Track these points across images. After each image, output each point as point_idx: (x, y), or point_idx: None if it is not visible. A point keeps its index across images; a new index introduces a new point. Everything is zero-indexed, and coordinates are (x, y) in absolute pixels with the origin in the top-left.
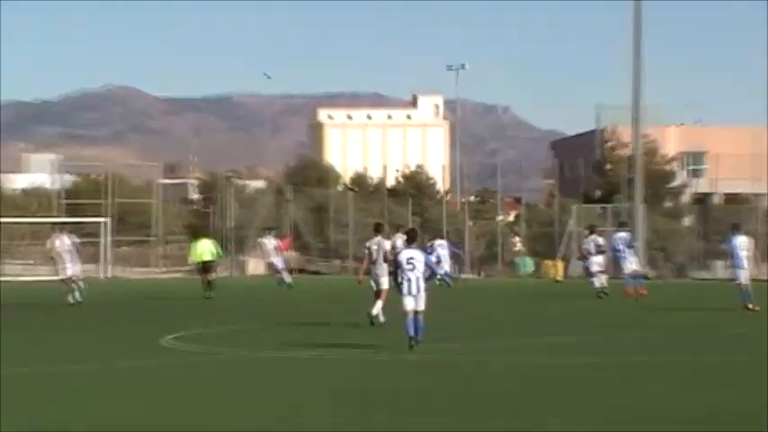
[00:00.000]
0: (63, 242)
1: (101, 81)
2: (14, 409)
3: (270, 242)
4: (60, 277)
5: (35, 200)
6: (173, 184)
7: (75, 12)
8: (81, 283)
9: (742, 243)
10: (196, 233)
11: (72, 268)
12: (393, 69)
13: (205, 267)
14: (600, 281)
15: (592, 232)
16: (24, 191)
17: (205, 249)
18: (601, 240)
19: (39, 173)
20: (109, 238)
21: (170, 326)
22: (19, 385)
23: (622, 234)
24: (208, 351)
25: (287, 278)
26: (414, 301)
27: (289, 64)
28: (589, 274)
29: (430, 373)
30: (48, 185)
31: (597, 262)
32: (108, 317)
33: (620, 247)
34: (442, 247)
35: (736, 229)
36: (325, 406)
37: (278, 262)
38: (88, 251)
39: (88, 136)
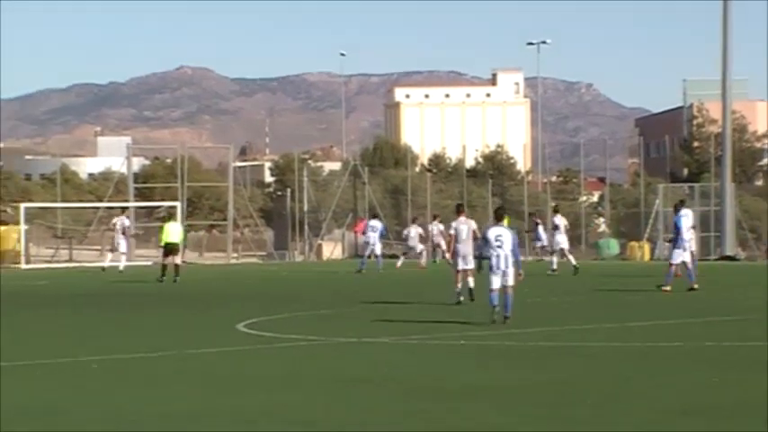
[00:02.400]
0: None
1: (174, 63)
2: (89, 398)
3: (121, 221)
4: None
5: (106, 184)
6: (246, 167)
7: None
8: None
9: (687, 221)
10: (169, 216)
11: None
12: (471, 46)
13: (169, 249)
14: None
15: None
16: (95, 174)
17: (173, 231)
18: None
19: (109, 156)
20: (182, 223)
21: (244, 311)
22: (98, 373)
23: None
24: (281, 337)
25: (105, 262)
26: (501, 278)
27: (363, 42)
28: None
29: (508, 360)
30: (120, 169)
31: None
32: (182, 303)
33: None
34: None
35: (681, 205)
36: (399, 394)
37: (123, 247)
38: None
39: (159, 118)
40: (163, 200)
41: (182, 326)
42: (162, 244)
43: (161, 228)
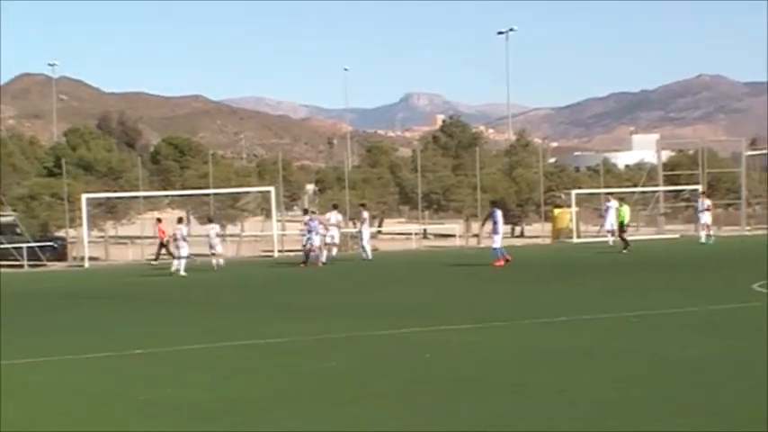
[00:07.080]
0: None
1: (694, 72)
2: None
3: (180, 232)
4: None
5: (640, 173)
6: (756, 155)
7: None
8: None
9: None
10: (620, 200)
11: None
12: None
13: (621, 228)
14: None
15: None
16: (630, 165)
17: (626, 213)
18: None
19: (642, 150)
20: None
21: (759, 274)
22: (638, 325)
23: None
24: None
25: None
26: None
27: None
28: None
29: None
30: (650, 160)
31: None
32: (701, 267)
33: None
34: None
35: None
36: None
37: (184, 252)
38: (685, 214)
39: (682, 118)
40: (687, 184)
41: (704, 287)
42: (620, 222)
43: (618, 210)
